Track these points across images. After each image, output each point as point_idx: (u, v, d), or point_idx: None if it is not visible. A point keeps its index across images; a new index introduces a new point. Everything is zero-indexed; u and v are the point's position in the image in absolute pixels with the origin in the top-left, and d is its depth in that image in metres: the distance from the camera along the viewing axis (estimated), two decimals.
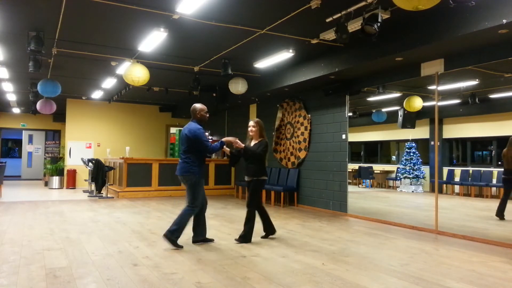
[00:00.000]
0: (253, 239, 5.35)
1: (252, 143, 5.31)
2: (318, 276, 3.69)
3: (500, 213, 6.22)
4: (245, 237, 5.12)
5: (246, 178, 5.32)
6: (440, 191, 6.89)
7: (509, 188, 6.30)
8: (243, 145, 5.17)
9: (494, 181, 7.39)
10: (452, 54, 5.90)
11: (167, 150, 15.38)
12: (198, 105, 5.10)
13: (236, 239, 5.18)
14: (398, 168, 9.20)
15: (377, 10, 4.68)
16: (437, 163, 6.31)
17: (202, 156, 4.96)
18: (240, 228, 6.19)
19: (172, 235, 4.75)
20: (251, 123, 5.32)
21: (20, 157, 18.79)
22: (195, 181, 4.87)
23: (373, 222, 6.97)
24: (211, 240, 5.12)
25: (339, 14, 5.12)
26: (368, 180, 10.31)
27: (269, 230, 5.42)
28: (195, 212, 4.91)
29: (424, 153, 8.59)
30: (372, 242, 5.29)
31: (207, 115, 5.12)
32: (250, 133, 5.32)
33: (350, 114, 7.98)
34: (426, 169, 8.42)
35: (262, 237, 5.39)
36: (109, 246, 4.80)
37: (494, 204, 6.60)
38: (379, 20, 4.66)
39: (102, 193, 10.48)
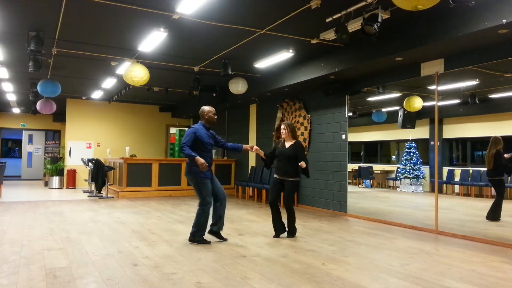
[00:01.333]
0: (254, 238, 5.36)
1: (287, 144, 5.50)
2: (318, 276, 3.69)
3: (492, 215, 6.16)
4: (293, 232, 5.49)
5: (278, 177, 5.48)
6: (440, 191, 6.89)
7: (499, 189, 6.25)
8: (262, 152, 5.46)
9: None
10: (452, 54, 5.90)
11: (167, 150, 15.38)
12: (206, 107, 5.25)
13: (288, 237, 5.45)
14: (398, 168, 9.20)
15: (377, 10, 4.68)
16: (437, 163, 6.31)
17: (203, 156, 4.89)
18: (240, 228, 6.19)
19: (195, 237, 4.97)
20: (282, 126, 5.56)
21: (20, 157, 18.80)
22: (197, 181, 4.92)
23: (373, 222, 6.97)
24: (225, 239, 5.17)
25: (339, 14, 5.12)
26: (368, 180, 10.31)
27: (286, 229, 5.56)
28: (208, 210, 4.98)
29: (424, 153, 8.58)
30: (372, 242, 5.29)
31: (215, 117, 5.28)
32: (283, 136, 5.55)
33: (350, 114, 7.97)
34: (426, 169, 8.42)
35: (287, 236, 5.51)
36: (109, 246, 4.80)
37: None
38: (379, 20, 4.66)
39: (102, 193, 10.48)
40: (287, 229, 5.49)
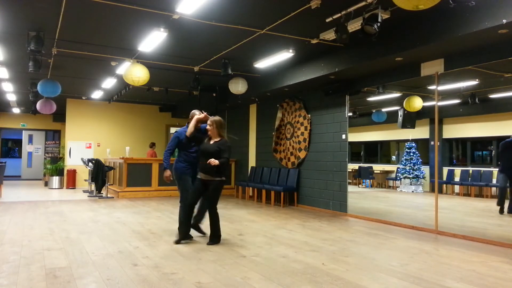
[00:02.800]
0: (254, 238, 5.36)
1: (212, 141, 5.06)
2: (318, 276, 3.69)
3: None
4: (217, 236, 5.04)
5: (203, 177, 4.98)
6: (440, 191, 6.89)
7: None
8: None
9: (494, 181, 7.39)
10: (452, 54, 5.90)
11: None
12: (195, 113, 5.40)
13: (209, 243, 4.98)
14: (398, 168, 9.20)
15: (377, 10, 4.69)
16: (437, 163, 6.31)
17: (187, 155, 5.26)
18: (240, 228, 6.19)
19: (180, 234, 5.12)
20: (209, 122, 5.11)
21: (20, 157, 18.79)
22: (178, 175, 5.24)
23: (373, 222, 6.97)
24: (203, 233, 5.37)
25: (339, 14, 5.12)
26: (368, 180, 10.31)
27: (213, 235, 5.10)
28: (184, 207, 5.14)
29: (424, 153, 8.58)
30: (372, 242, 5.29)
31: (193, 130, 5.18)
32: (209, 132, 5.10)
33: (350, 114, 7.97)
34: (426, 169, 8.42)
35: (209, 242, 5.01)
36: (109, 246, 4.80)
37: (494, 204, 6.60)
38: (379, 20, 4.66)
39: (102, 193, 10.48)
40: (210, 233, 5.03)
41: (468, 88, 7.01)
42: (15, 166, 17.88)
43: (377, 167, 10.20)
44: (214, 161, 4.79)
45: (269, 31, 6.15)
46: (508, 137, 6.42)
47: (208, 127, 5.11)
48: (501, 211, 6.35)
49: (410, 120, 8.01)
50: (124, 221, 6.65)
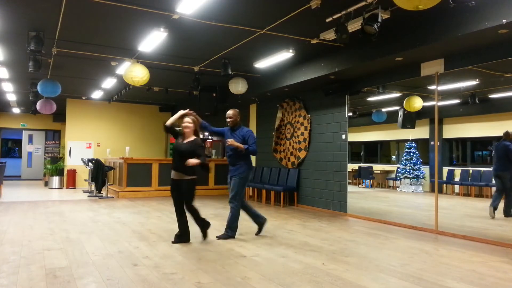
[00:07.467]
0: (254, 238, 5.35)
1: (186, 140, 5.00)
2: (318, 276, 3.69)
3: None
4: (205, 226, 5.18)
5: (175, 176, 4.98)
6: (440, 191, 6.88)
7: None
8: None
9: (494, 181, 7.39)
10: (452, 54, 5.90)
11: (167, 150, 15.38)
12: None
13: (203, 236, 5.19)
14: (398, 168, 9.20)
15: (377, 10, 4.69)
16: (437, 163, 6.31)
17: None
18: (240, 228, 6.18)
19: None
20: (189, 119, 5.08)
21: (20, 157, 18.81)
22: None
23: (373, 222, 6.97)
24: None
25: (339, 14, 5.12)
26: (368, 180, 10.31)
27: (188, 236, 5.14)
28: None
29: (424, 153, 8.58)
30: (372, 242, 5.29)
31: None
32: (186, 130, 5.02)
33: (350, 114, 7.97)
34: (426, 169, 8.42)
35: (203, 235, 5.20)
36: (109, 246, 4.80)
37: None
38: (379, 20, 4.66)
39: (102, 193, 10.48)
40: (201, 230, 5.16)
41: (468, 88, 7.01)
42: (15, 166, 17.89)
43: (377, 167, 10.20)
44: (193, 161, 4.60)
45: (269, 31, 6.15)
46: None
47: (187, 124, 5.01)
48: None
49: (410, 120, 8.01)
50: (124, 221, 6.65)
